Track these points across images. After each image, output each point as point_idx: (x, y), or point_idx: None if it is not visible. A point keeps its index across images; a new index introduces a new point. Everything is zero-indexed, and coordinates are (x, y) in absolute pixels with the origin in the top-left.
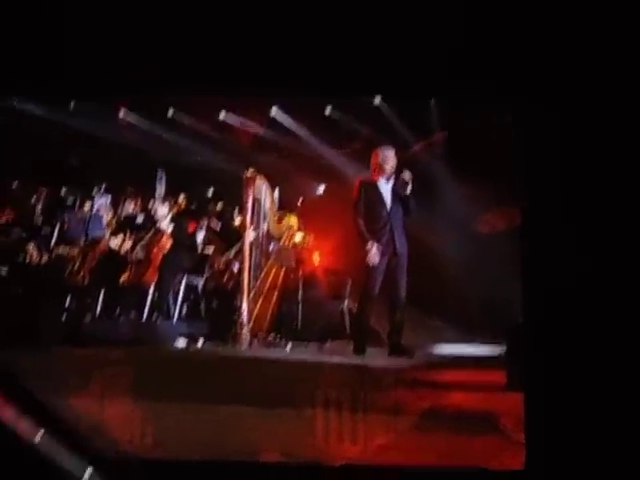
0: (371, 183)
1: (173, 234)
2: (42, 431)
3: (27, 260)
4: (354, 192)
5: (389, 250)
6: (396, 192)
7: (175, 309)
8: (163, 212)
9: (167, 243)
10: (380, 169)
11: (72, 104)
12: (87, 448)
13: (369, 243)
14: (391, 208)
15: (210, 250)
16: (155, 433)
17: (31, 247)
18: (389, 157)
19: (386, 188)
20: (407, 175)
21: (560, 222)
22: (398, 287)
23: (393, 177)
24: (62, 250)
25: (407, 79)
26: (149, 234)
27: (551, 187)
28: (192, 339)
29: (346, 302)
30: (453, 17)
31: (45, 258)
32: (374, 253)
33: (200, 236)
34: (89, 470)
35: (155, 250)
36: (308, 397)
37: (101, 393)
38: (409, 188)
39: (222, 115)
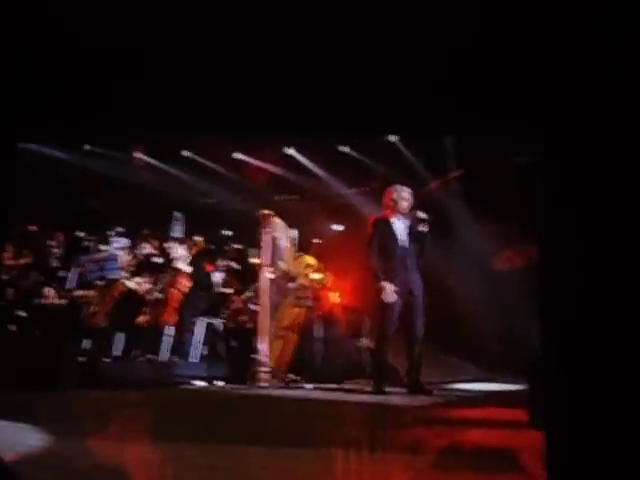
0: (385, 221)
1: (191, 275)
2: None
3: (44, 303)
4: (368, 231)
5: (404, 289)
6: (412, 230)
7: (193, 350)
8: (181, 253)
9: (185, 284)
10: (394, 206)
11: (86, 147)
12: None
13: (383, 282)
14: (405, 246)
15: (228, 290)
16: (175, 475)
17: (48, 290)
18: (404, 195)
19: (399, 226)
20: (422, 213)
21: (578, 258)
22: (415, 326)
23: (408, 215)
24: (79, 292)
25: (423, 117)
26: (167, 275)
27: (568, 224)
28: (211, 380)
29: (364, 340)
30: (469, 56)
31: (63, 301)
32: (388, 292)
33: (218, 276)
34: None
35: (173, 291)
36: (327, 436)
37: (120, 435)
38: (426, 226)
39: (237, 155)
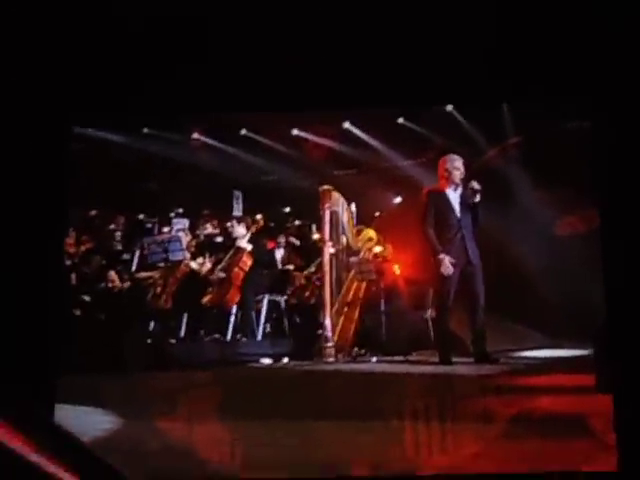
0: (439, 192)
1: (253, 253)
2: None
3: (109, 286)
4: (422, 203)
5: (462, 260)
6: (465, 200)
7: (258, 328)
8: (242, 231)
9: (247, 262)
10: (448, 177)
11: (145, 130)
12: None
13: (441, 255)
14: (461, 217)
15: (290, 267)
16: (244, 453)
17: (112, 274)
18: (457, 165)
19: (454, 196)
20: (476, 183)
21: (639, 221)
22: (476, 296)
23: (461, 186)
24: (143, 275)
25: (479, 84)
26: (229, 254)
27: (629, 188)
28: (277, 357)
29: (429, 311)
30: (527, 22)
31: (127, 284)
32: (447, 265)
33: (279, 253)
34: None
35: (236, 269)
36: (396, 409)
37: (188, 416)
38: (479, 196)
39: (295, 131)
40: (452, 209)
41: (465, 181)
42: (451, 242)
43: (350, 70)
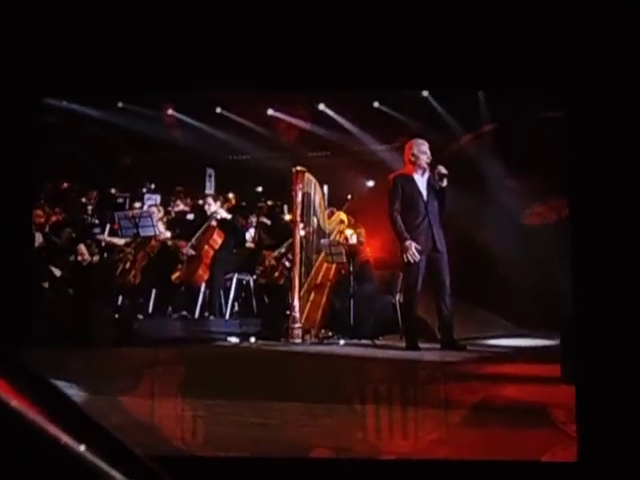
0: (407, 176)
1: (224, 230)
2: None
3: (79, 259)
4: (389, 188)
5: (428, 246)
6: (432, 185)
7: (227, 306)
8: (214, 209)
9: (218, 240)
10: (415, 162)
11: (119, 103)
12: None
13: (407, 242)
14: (428, 201)
15: (260, 247)
16: (206, 431)
17: (82, 247)
18: (423, 150)
19: (421, 181)
20: (442, 168)
21: (608, 213)
22: (442, 283)
23: (428, 170)
24: (113, 240)
25: (455, 71)
26: (200, 231)
27: (599, 179)
28: (244, 336)
29: (398, 296)
30: (503, 8)
31: (96, 258)
32: (413, 251)
33: (250, 233)
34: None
35: (206, 247)
36: (360, 393)
37: (152, 392)
38: (445, 181)
39: (270, 111)
40: (419, 193)
41: (432, 166)
42: (418, 228)
43: (327, 52)
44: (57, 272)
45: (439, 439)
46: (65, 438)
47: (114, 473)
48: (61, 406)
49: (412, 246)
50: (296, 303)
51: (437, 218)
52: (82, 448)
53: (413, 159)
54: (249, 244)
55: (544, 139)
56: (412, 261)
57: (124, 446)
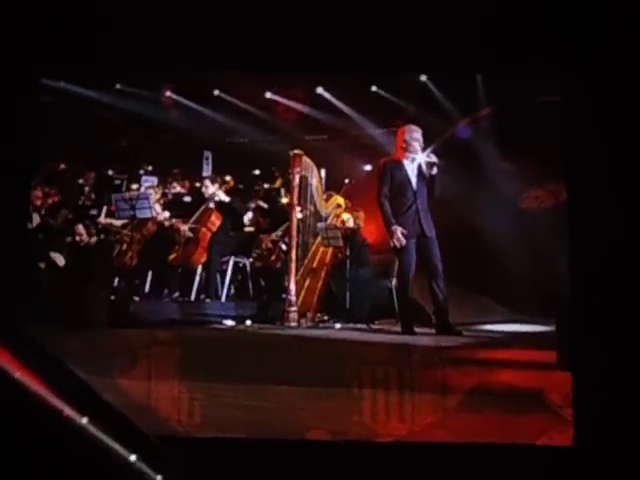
0: (397, 162)
1: (222, 213)
2: (87, 415)
3: (77, 239)
4: (378, 173)
5: (416, 231)
6: (422, 172)
7: (223, 289)
8: (212, 191)
9: (216, 222)
10: (406, 148)
11: (118, 85)
12: (134, 429)
13: (393, 226)
14: (417, 188)
15: (257, 230)
16: (203, 412)
17: (80, 227)
18: (416, 136)
19: (411, 168)
20: (433, 155)
21: (606, 197)
22: (433, 268)
23: (418, 157)
24: (111, 222)
25: (453, 55)
26: (197, 213)
27: (597, 163)
28: (240, 319)
29: (394, 281)
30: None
31: (94, 239)
32: (398, 236)
33: (247, 216)
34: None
35: (204, 229)
36: (356, 376)
37: (149, 374)
38: (435, 169)
39: (268, 94)
40: (409, 180)
41: (424, 152)
42: (405, 214)
43: (326, 35)
44: (54, 254)
45: (435, 423)
46: (68, 410)
47: (116, 446)
48: (64, 379)
49: (398, 231)
50: (292, 286)
51: (425, 204)
52: (84, 420)
53: (404, 145)
54: (246, 227)
55: (542, 123)
56: (398, 246)
57: (126, 420)
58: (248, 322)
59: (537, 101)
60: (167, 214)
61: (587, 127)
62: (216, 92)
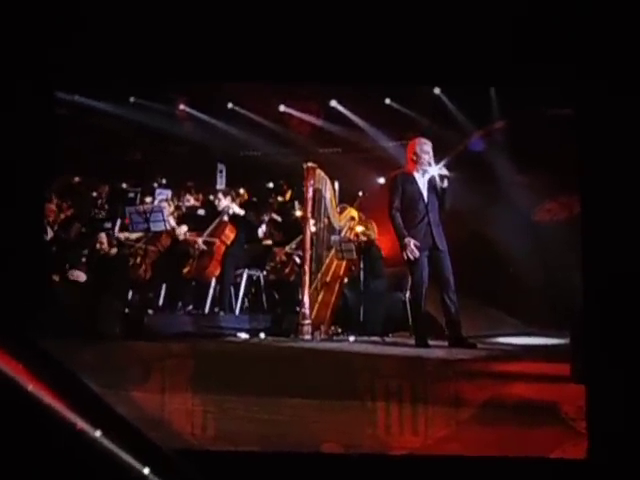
0: (408, 175)
1: (236, 226)
2: (101, 428)
3: (97, 247)
4: (389, 186)
5: (428, 244)
6: (433, 185)
7: (236, 302)
8: (225, 204)
9: (230, 235)
10: (417, 161)
11: (132, 99)
12: (147, 442)
13: (406, 239)
14: (428, 201)
15: (271, 243)
16: (216, 425)
17: (103, 236)
18: (426, 149)
19: (422, 181)
20: (444, 169)
21: (620, 210)
22: (445, 281)
23: (429, 169)
24: (126, 242)
25: (467, 68)
26: (212, 226)
27: (610, 175)
28: (254, 332)
29: (408, 294)
30: (515, 5)
31: (114, 250)
32: (412, 248)
33: (261, 229)
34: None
35: (218, 242)
36: (369, 389)
37: (162, 386)
38: (446, 182)
39: (281, 107)
40: (420, 193)
41: (434, 166)
42: (417, 226)
43: (340, 47)
44: (75, 272)
45: (449, 436)
46: (81, 423)
47: (129, 459)
48: (78, 392)
49: (411, 243)
50: (306, 299)
51: (437, 217)
52: (98, 434)
53: (415, 158)
54: (261, 240)
55: (555, 136)
56: (412, 258)
57: (140, 433)
58: (262, 335)
59: (550, 114)
60: (185, 228)
61: (600, 139)
62: (230, 105)
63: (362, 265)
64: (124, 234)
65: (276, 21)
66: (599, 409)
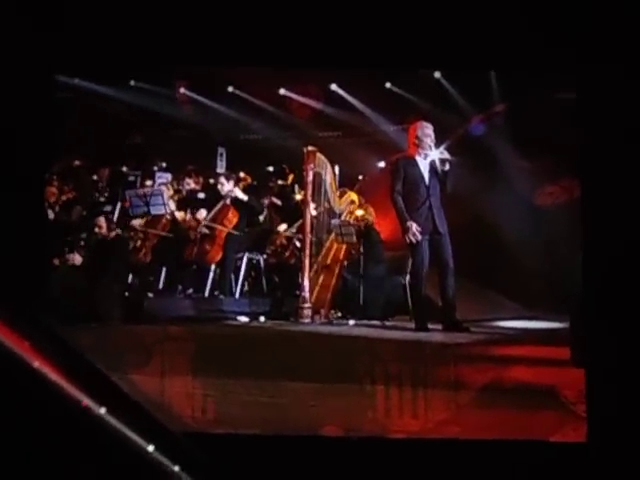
0: (410, 159)
1: (238, 210)
2: (106, 406)
3: (96, 231)
4: (390, 170)
5: (429, 228)
6: (434, 169)
7: (237, 285)
8: (228, 188)
9: (233, 219)
10: (419, 145)
11: (132, 82)
12: (152, 421)
13: (408, 222)
14: (430, 184)
15: (271, 226)
16: (216, 409)
17: (101, 220)
18: (427, 133)
19: (424, 164)
20: (446, 152)
21: (620, 194)
22: (445, 264)
23: (431, 153)
24: (125, 226)
25: (467, 51)
26: (214, 211)
27: (611, 159)
28: (254, 316)
29: (407, 277)
30: None
31: (113, 233)
32: (414, 231)
33: (262, 214)
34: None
35: (220, 227)
36: (369, 373)
37: (162, 370)
38: (448, 165)
39: (282, 91)
40: (421, 176)
41: (436, 149)
42: (418, 210)
43: (340, 31)
44: (71, 255)
45: (448, 419)
46: (86, 400)
47: (134, 436)
48: (83, 370)
49: (413, 227)
50: (306, 283)
51: (438, 201)
52: (102, 411)
53: (417, 142)
54: (262, 224)
55: (556, 119)
56: (414, 241)
57: (145, 411)
58: (262, 318)
59: (551, 98)
60: (180, 212)
61: (601, 123)
62: (230, 89)
63: (362, 249)
64: (137, 221)
65: (277, 4)
66: (599, 393)
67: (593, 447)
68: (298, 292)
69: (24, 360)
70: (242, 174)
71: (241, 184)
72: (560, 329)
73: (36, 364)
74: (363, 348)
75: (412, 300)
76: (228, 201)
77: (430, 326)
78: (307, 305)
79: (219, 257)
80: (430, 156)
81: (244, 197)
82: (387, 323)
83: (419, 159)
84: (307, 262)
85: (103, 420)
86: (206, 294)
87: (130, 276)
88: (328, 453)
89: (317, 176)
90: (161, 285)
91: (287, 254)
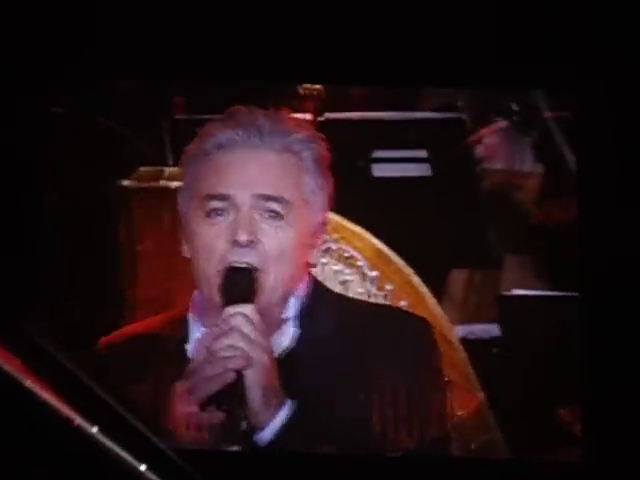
0: None
1: None
2: (97, 425)
3: None
4: None
5: None
6: None
7: None
8: None
9: None
10: None
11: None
12: (145, 439)
13: None
14: None
15: None
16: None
17: None
18: None
19: None
20: None
21: (617, 212)
22: None
23: None
24: None
25: (464, 68)
26: None
27: (609, 177)
28: None
29: None
30: (513, 6)
31: None
32: None
33: None
34: (144, 464)
35: None
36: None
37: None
38: None
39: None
40: None
41: None
42: None
43: (332, 49)
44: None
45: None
46: (79, 420)
47: (127, 456)
48: (76, 387)
49: None
50: None
51: None
52: (94, 430)
53: None
54: None
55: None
56: None
57: (139, 430)
58: None
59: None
60: None
61: (600, 140)
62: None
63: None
64: None
65: (266, 25)
66: (594, 411)
67: (589, 467)
68: None
69: (16, 379)
70: None
71: None
72: None
73: (28, 382)
74: None
75: None
76: None
77: None
78: None
79: None
80: None
81: None
82: None
83: None
84: None
85: (95, 439)
86: None
87: None
88: (324, 470)
89: None
90: None
91: None
